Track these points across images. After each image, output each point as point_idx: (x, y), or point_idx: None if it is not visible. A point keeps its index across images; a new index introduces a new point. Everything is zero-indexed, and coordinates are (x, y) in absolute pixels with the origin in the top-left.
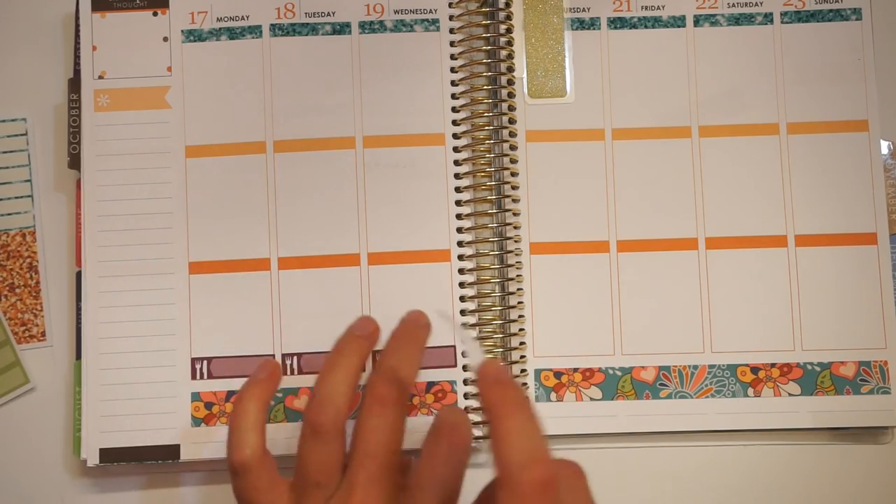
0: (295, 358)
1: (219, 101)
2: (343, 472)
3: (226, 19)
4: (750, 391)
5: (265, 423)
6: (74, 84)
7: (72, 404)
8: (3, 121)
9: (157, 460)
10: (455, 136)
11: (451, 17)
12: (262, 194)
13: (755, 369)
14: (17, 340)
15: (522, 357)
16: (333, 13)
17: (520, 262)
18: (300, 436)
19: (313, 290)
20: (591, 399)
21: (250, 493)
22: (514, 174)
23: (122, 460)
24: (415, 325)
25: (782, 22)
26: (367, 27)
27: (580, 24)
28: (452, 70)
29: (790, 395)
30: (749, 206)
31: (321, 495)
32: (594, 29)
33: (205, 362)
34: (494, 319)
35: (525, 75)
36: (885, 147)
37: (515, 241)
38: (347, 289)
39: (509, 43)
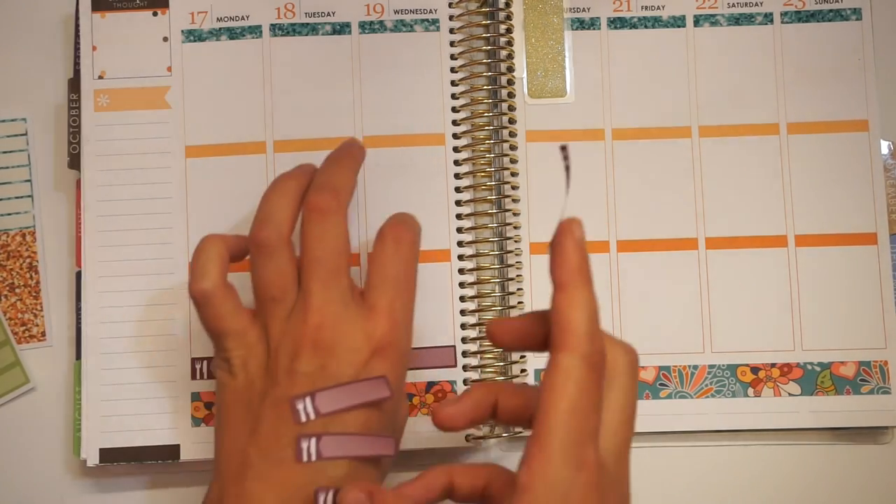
0: None
1: (219, 101)
2: (298, 285)
3: (226, 19)
4: (750, 391)
5: (227, 264)
6: (74, 84)
7: (72, 404)
8: (3, 121)
9: (157, 460)
10: (455, 136)
11: (451, 17)
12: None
13: (755, 369)
14: (17, 340)
15: (522, 357)
16: (333, 13)
17: (520, 262)
18: (250, 260)
19: None
20: None
21: (215, 322)
22: (514, 174)
23: (122, 460)
24: (349, 145)
25: (782, 22)
26: (367, 27)
27: (580, 24)
28: (452, 70)
29: (790, 395)
30: (749, 206)
31: (281, 309)
32: (594, 29)
33: (205, 362)
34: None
35: (525, 75)
36: (885, 147)
37: (515, 241)
38: None
39: (509, 43)
